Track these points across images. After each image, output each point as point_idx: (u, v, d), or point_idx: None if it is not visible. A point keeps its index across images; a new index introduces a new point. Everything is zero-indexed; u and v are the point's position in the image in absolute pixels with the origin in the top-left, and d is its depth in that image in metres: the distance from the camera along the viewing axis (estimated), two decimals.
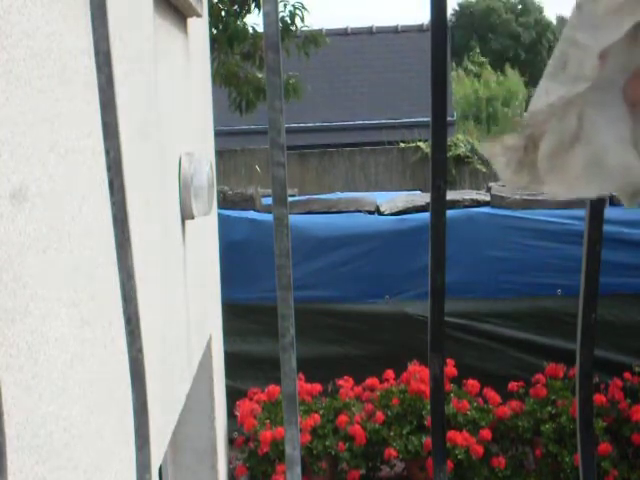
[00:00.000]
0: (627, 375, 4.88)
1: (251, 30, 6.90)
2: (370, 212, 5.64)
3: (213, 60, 5.65)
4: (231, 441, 4.82)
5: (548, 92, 0.44)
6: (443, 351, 0.76)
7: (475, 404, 4.77)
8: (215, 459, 3.88)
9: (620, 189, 0.45)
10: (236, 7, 6.80)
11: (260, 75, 7.01)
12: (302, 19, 7.13)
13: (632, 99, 0.42)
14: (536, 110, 0.44)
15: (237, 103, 7.19)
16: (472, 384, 4.87)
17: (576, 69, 0.42)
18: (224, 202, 5.41)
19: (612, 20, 0.41)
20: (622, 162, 0.43)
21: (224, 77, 6.90)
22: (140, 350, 0.64)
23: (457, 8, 36.29)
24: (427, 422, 4.68)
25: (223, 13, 6.74)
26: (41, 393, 1.25)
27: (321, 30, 7.82)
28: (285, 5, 7.11)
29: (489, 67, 22.51)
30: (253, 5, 6.84)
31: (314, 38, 7.27)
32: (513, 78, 21.41)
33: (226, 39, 6.57)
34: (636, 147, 0.43)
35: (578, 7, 0.42)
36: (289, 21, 7.06)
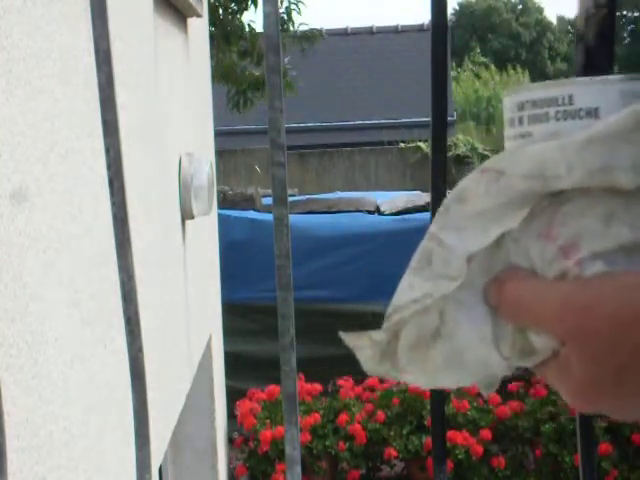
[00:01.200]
0: None
1: (247, 28, 6.91)
2: (370, 212, 5.64)
3: (211, 58, 5.65)
4: (231, 441, 4.82)
5: (412, 287, 0.44)
6: None
7: (475, 404, 4.77)
8: (215, 459, 3.88)
9: (478, 381, 0.47)
10: (233, 5, 6.80)
11: (257, 73, 7.01)
12: (299, 12, 7.13)
13: (492, 303, 0.43)
14: (400, 305, 0.45)
15: (235, 101, 7.19)
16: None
17: (441, 267, 0.43)
18: (224, 202, 5.41)
19: (478, 224, 0.42)
20: (481, 358, 0.44)
21: (222, 74, 6.90)
22: (140, 350, 0.64)
23: (457, 8, 36.30)
24: (427, 422, 4.68)
25: (220, 11, 6.74)
26: (41, 393, 1.25)
27: (321, 30, 7.81)
28: (281, 1, 7.11)
29: (493, 67, 22.51)
30: (250, 2, 6.84)
31: (310, 35, 7.27)
32: (515, 78, 21.40)
33: (223, 36, 6.57)
34: (496, 345, 0.44)
35: (445, 207, 0.43)
36: (286, 18, 7.07)
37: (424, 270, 0.44)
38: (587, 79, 0.40)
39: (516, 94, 0.43)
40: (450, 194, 0.43)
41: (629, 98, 0.39)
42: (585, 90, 0.39)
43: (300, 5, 7.14)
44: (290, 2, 7.12)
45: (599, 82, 0.40)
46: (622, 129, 0.37)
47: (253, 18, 8.32)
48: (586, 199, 0.38)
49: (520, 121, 0.42)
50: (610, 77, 0.40)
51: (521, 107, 0.42)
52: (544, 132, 0.40)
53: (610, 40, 0.48)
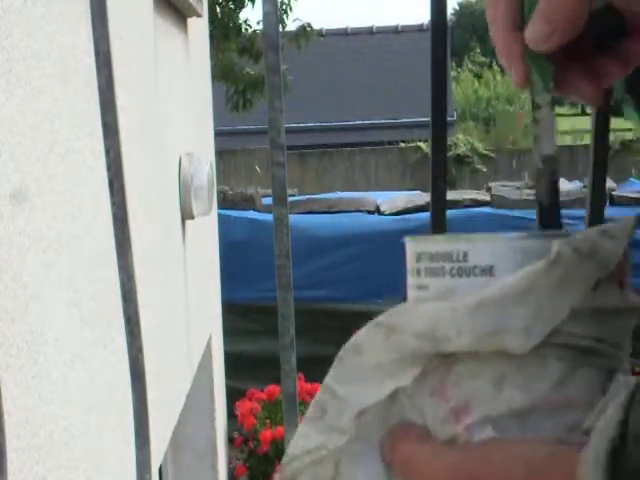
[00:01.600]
0: None
1: (244, 25, 6.91)
2: (370, 212, 5.64)
3: (211, 58, 5.67)
4: (231, 441, 4.83)
5: (307, 437, 0.44)
6: None
7: None
8: (215, 459, 3.88)
9: None
10: (231, 3, 6.81)
11: (253, 72, 7.01)
12: (290, 9, 7.13)
13: (387, 459, 0.42)
14: (295, 454, 0.45)
15: (234, 101, 7.19)
16: None
17: (334, 420, 0.42)
18: (224, 202, 5.41)
19: (372, 377, 0.41)
20: None
21: (222, 74, 6.91)
22: (140, 350, 0.64)
23: (457, 8, 36.33)
24: None
25: (218, 9, 6.74)
26: (41, 393, 1.25)
27: (321, 30, 7.81)
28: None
29: (495, 66, 22.51)
30: (249, 2, 6.84)
31: (305, 32, 7.27)
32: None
33: (222, 34, 6.57)
34: None
35: (339, 359, 0.42)
36: (282, 16, 7.07)
37: (318, 421, 0.43)
38: (481, 236, 0.40)
39: (415, 243, 0.42)
40: (345, 345, 0.43)
41: (524, 256, 0.38)
42: (479, 248, 0.39)
43: (292, 3, 7.15)
44: (282, 1, 7.12)
45: (493, 240, 0.39)
46: (514, 292, 0.36)
47: (251, 16, 8.34)
48: (477, 360, 0.38)
49: (418, 272, 0.42)
50: (504, 235, 0.39)
51: (419, 258, 0.42)
52: (440, 287, 0.40)
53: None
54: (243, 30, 6.84)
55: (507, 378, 0.37)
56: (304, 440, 0.44)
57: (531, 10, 0.43)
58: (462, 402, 0.38)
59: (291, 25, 7.30)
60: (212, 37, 6.33)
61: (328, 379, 0.43)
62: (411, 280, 0.43)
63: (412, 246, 0.43)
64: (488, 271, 0.39)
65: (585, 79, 0.46)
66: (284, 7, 7.10)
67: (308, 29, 7.35)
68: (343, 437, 0.42)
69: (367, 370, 0.41)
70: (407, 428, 0.41)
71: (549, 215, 0.44)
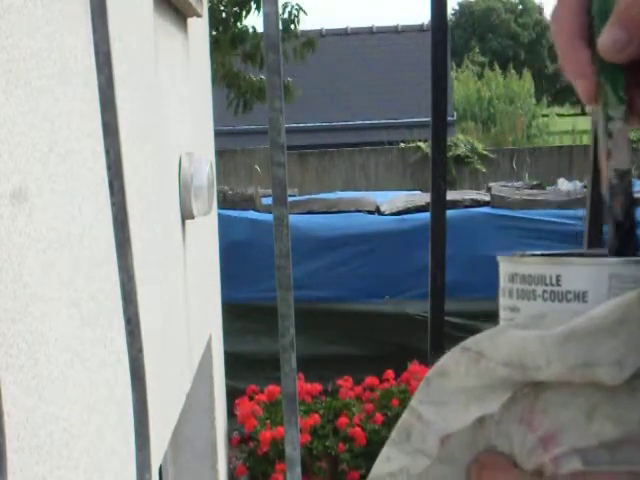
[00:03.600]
0: None
1: (251, 30, 6.91)
2: (370, 212, 5.64)
3: (213, 61, 5.67)
4: (231, 441, 4.83)
5: (390, 459, 0.43)
6: (443, 351, 0.76)
7: None
8: (215, 459, 3.88)
9: None
10: (236, 8, 6.81)
11: (255, 78, 7.02)
12: (298, 21, 7.14)
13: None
14: (377, 476, 0.44)
15: (235, 105, 7.20)
16: None
17: (419, 443, 0.42)
18: (224, 202, 5.41)
19: (458, 401, 0.41)
20: None
21: (224, 77, 6.91)
22: (140, 350, 0.64)
23: (457, 8, 36.33)
24: None
25: (224, 14, 6.75)
26: (41, 393, 1.25)
27: (321, 30, 7.82)
28: (285, 7, 7.12)
29: (496, 67, 22.52)
30: (254, 6, 6.84)
31: (310, 42, 7.28)
32: (516, 78, 21.40)
33: (228, 40, 6.57)
34: None
35: (426, 381, 0.42)
36: (289, 22, 7.07)
37: (403, 444, 0.43)
38: (577, 259, 0.39)
39: (508, 263, 0.42)
40: (432, 369, 0.42)
41: (618, 282, 0.37)
42: (572, 272, 0.38)
43: (301, 13, 7.15)
44: (293, 7, 7.12)
45: (587, 264, 0.38)
46: (606, 323, 0.35)
47: (257, 22, 8.33)
48: (568, 389, 0.37)
49: (510, 293, 0.41)
50: (601, 260, 0.39)
51: (512, 279, 0.41)
52: (531, 310, 0.39)
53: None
54: (251, 34, 6.83)
55: (598, 409, 0.36)
56: (387, 462, 0.43)
57: (602, 19, 0.40)
58: (550, 431, 0.37)
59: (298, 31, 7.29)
60: (216, 41, 6.34)
61: (414, 401, 0.42)
62: (502, 300, 0.42)
63: (505, 266, 0.42)
64: (581, 297, 0.38)
65: None
66: (294, 14, 7.10)
67: (313, 38, 7.36)
68: (427, 460, 0.41)
69: (453, 394, 0.41)
70: (493, 456, 0.40)
71: (626, 234, 0.42)
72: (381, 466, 0.44)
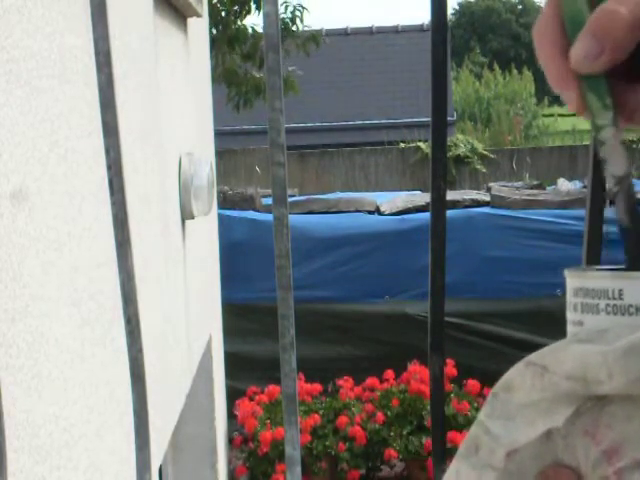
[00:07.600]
0: None
1: (251, 30, 6.92)
2: (370, 212, 5.64)
3: (212, 60, 5.67)
4: (231, 441, 4.83)
5: (459, 473, 0.44)
6: (443, 351, 0.76)
7: (475, 404, 4.77)
8: (215, 459, 3.88)
9: None
10: (236, 7, 6.81)
11: (258, 75, 7.02)
12: (302, 20, 7.16)
13: None
14: None
15: (235, 102, 7.21)
16: (472, 384, 4.87)
17: (487, 456, 0.42)
18: (224, 202, 5.41)
19: (524, 415, 0.41)
20: None
21: (223, 76, 6.92)
22: (140, 350, 0.64)
23: (457, 8, 36.34)
24: (427, 422, 4.68)
25: (223, 14, 6.75)
26: (41, 393, 1.25)
27: (321, 30, 7.84)
28: (286, 7, 7.12)
29: (497, 68, 22.51)
30: (254, 6, 6.85)
31: (314, 38, 7.29)
32: (517, 78, 21.39)
33: (226, 40, 6.58)
34: None
35: (493, 395, 0.42)
36: (290, 22, 7.08)
37: (471, 458, 0.43)
38: (638, 274, 0.39)
39: (574, 277, 0.42)
40: (498, 382, 0.43)
41: None
42: (635, 286, 0.38)
43: (304, 12, 7.17)
44: (295, 8, 7.14)
45: None
46: None
47: (256, 21, 8.33)
48: (631, 402, 0.37)
49: (575, 308, 0.41)
50: None
51: (576, 293, 0.41)
52: (594, 324, 0.40)
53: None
54: (250, 34, 6.84)
55: None
56: (455, 476, 0.43)
57: (574, 32, 0.41)
58: (614, 444, 0.38)
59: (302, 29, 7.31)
60: (215, 41, 6.34)
61: (482, 415, 0.43)
62: (569, 315, 0.42)
63: (571, 281, 0.42)
64: None
65: None
66: (298, 12, 7.11)
67: (317, 34, 7.37)
68: (494, 474, 0.42)
69: (518, 408, 0.41)
70: (558, 469, 0.40)
71: (634, 237, 0.42)
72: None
